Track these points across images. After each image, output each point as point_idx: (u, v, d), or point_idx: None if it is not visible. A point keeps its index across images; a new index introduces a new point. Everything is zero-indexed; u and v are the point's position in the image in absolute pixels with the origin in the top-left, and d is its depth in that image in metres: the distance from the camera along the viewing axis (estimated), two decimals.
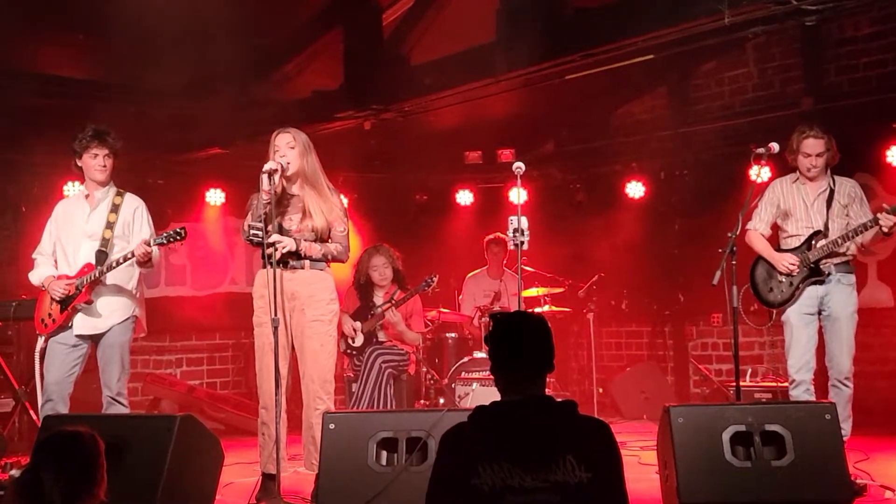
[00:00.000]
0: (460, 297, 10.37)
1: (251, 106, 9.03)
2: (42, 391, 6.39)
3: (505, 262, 10.09)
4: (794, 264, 6.48)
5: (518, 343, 3.53)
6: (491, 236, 10.20)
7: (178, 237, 6.17)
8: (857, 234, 6.34)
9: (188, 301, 10.52)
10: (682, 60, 9.32)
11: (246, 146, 9.10)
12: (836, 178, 6.56)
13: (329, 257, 6.16)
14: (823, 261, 6.44)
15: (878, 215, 6.17)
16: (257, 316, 6.15)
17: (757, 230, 6.71)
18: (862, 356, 6.99)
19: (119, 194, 6.54)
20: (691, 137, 10.37)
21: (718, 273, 6.13)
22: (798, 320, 6.51)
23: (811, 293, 6.48)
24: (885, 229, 6.15)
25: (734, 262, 6.15)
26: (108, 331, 6.40)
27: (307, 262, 6.10)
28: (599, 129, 11.42)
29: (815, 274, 6.45)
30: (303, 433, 6.17)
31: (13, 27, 7.73)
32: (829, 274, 6.44)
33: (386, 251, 8.83)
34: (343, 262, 6.35)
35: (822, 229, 6.47)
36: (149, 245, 6.19)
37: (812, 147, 6.47)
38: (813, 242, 6.47)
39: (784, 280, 6.55)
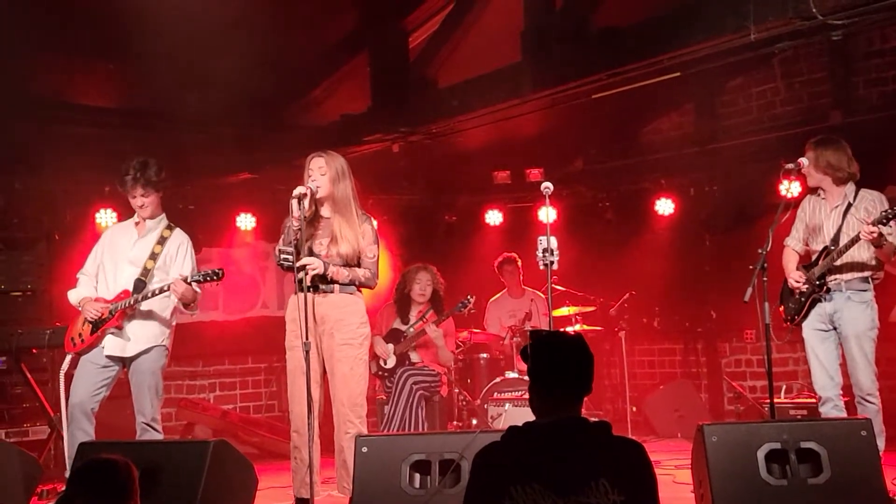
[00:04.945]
0: (484, 322, 10.27)
1: (280, 130, 9.08)
2: (67, 411, 6.46)
3: (522, 278, 10.06)
4: (799, 281, 6.46)
5: (560, 364, 3.48)
6: (500, 258, 10.17)
7: (214, 277, 6.35)
8: (847, 249, 6.23)
9: (220, 326, 10.55)
10: (710, 77, 9.28)
11: (276, 171, 9.15)
12: (862, 191, 6.44)
13: (357, 283, 6.20)
14: (831, 276, 6.37)
15: (863, 226, 6.05)
16: (289, 340, 6.19)
17: (789, 247, 6.70)
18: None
19: (169, 227, 6.67)
20: (720, 153, 10.32)
21: (750, 290, 6.11)
22: (812, 336, 6.47)
23: (819, 309, 6.44)
24: (865, 237, 6.03)
25: (765, 279, 6.13)
26: (138, 357, 6.47)
27: (337, 286, 6.14)
28: (628, 146, 11.39)
29: (818, 289, 6.41)
30: (335, 457, 6.19)
31: (44, 58, 7.82)
32: (828, 290, 6.37)
33: (432, 272, 8.97)
34: (371, 287, 6.37)
35: (830, 244, 6.41)
36: (185, 281, 6.31)
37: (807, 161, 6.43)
38: (821, 258, 6.44)
39: (797, 296, 6.54)
